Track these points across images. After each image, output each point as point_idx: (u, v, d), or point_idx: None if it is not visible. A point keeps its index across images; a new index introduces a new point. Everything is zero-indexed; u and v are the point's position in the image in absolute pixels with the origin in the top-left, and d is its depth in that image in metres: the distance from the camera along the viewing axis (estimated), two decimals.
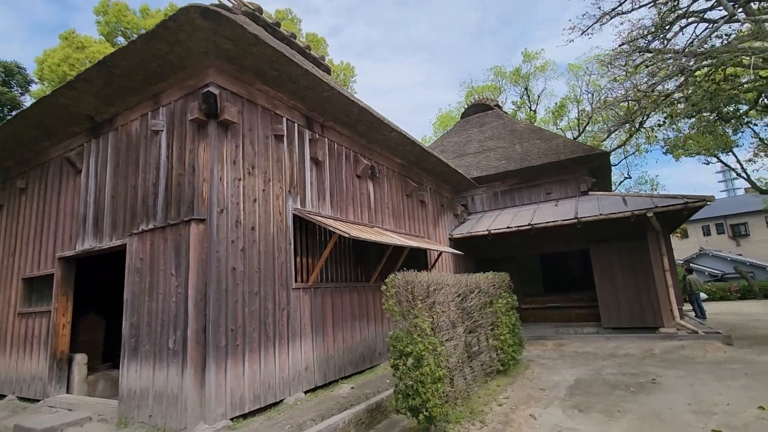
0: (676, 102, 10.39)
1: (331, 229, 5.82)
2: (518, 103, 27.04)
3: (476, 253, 13.84)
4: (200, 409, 4.43)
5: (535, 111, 27.00)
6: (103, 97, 5.95)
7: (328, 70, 12.01)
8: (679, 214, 9.72)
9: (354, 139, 7.95)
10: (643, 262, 10.72)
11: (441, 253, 9.88)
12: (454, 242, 12.06)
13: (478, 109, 17.92)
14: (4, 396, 6.95)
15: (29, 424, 4.99)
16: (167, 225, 5.02)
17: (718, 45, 8.19)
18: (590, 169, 12.59)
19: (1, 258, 7.95)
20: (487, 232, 11.40)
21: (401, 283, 4.98)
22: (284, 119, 6.25)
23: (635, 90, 10.38)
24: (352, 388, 6.23)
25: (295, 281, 5.97)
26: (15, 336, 7.14)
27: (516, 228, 11.06)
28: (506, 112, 18.62)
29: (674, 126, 16.07)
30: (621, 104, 13.97)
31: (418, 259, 10.01)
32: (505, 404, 6.00)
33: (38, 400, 6.27)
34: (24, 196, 7.76)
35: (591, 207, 10.96)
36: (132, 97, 5.87)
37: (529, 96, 26.35)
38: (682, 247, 41.63)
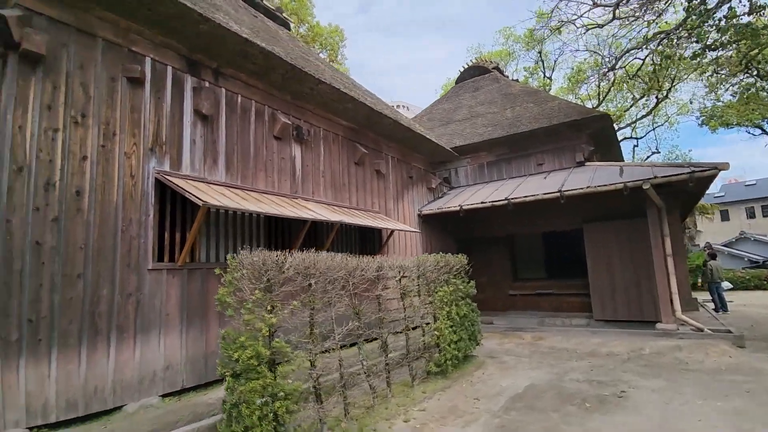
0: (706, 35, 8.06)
1: (187, 196, 4.62)
2: (531, 69, 24.64)
3: (458, 232, 12.42)
4: None
5: (550, 78, 24.56)
6: None
7: (285, 25, 10.67)
8: (684, 185, 7.93)
9: (271, 93, 6.64)
10: (644, 245, 9.03)
11: (392, 231, 8.56)
12: (424, 219, 10.68)
13: (475, 72, 16.07)
14: None
15: None
16: None
17: None
18: (589, 135, 10.78)
19: None
20: (458, 208, 9.94)
21: (250, 263, 3.77)
22: (147, 59, 5.01)
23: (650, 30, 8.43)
24: None
25: (156, 261, 4.85)
26: None
27: (491, 203, 9.55)
28: (507, 76, 16.65)
29: (707, 75, 13.65)
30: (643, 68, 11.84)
31: (368, 240, 8.75)
32: (414, 420, 4.76)
33: None
34: None
35: (583, 179, 9.27)
36: None
37: (543, 62, 23.89)
38: (721, 231, 38.27)
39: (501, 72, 16.29)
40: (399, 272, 5.82)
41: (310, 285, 4.24)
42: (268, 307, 3.66)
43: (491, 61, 16.57)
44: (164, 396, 4.73)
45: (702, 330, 8.11)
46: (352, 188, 8.25)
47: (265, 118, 6.52)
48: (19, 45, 3.89)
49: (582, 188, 8.47)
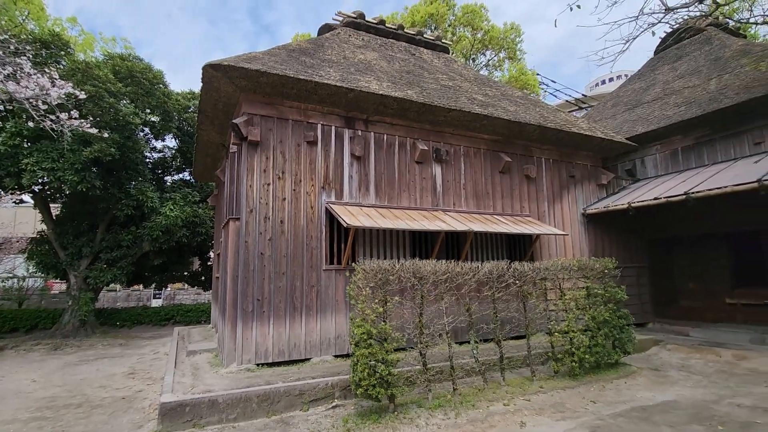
0: None
1: (339, 219, 6.58)
2: None
3: (651, 231, 11.14)
4: (234, 353, 6.24)
5: None
6: (220, 133, 8.53)
7: (445, 50, 12.09)
8: None
9: (411, 126, 8.14)
10: None
11: (537, 235, 8.72)
12: (590, 219, 10.14)
13: (682, 36, 13.51)
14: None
15: (189, 347, 8.08)
16: (224, 223, 7.01)
17: None
18: None
19: None
20: (627, 206, 9.13)
21: (363, 269, 5.37)
22: (318, 125, 7.29)
23: None
24: None
25: (327, 263, 7.05)
26: None
27: (665, 199, 8.44)
28: (732, 30, 13.06)
29: None
30: None
31: (516, 245, 9.20)
32: (513, 405, 5.43)
33: None
34: None
35: None
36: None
37: None
38: None
39: (720, 27, 13.12)
40: (515, 276, 6.39)
41: (414, 285, 5.55)
42: (376, 300, 5.19)
43: (702, 18, 13.48)
44: (336, 356, 6.88)
45: None
46: (497, 195, 8.93)
47: (407, 148, 8.09)
48: (247, 137, 6.62)
49: None
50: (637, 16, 6.79)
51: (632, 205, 9.03)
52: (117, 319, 14.97)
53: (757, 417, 4.96)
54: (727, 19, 14.08)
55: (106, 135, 9.97)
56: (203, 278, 18.00)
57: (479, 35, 19.45)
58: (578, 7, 6.52)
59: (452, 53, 20.70)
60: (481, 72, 21.87)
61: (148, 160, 15.41)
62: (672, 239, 11.51)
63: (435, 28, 19.26)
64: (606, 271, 7.16)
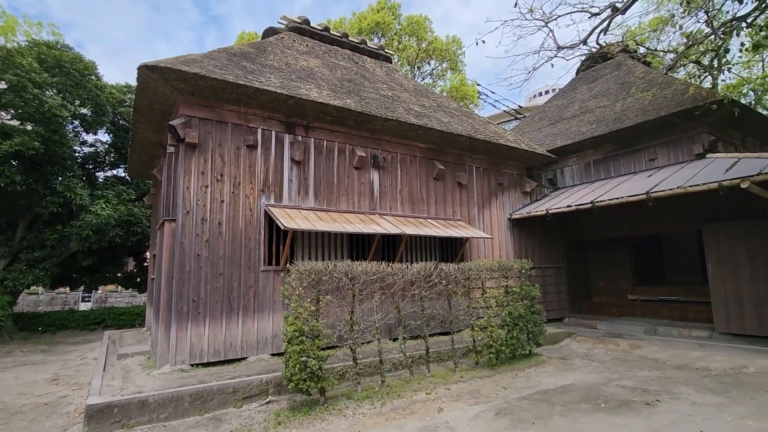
0: None
1: (277, 222, 6.83)
2: None
3: (569, 235, 12.27)
4: (167, 354, 6.28)
5: None
6: (158, 132, 8.41)
7: (387, 59, 12.56)
8: None
9: (350, 133, 8.53)
10: None
11: (467, 238, 9.47)
12: (515, 223, 11.09)
13: (598, 60, 15.01)
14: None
15: (120, 351, 7.90)
16: (160, 223, 7.01)
17: None
18: (711, 124, 9.46)
19: None
20: (545, 212, 10.13)
21: (297, 271, 5.67)
22: (258, 129, 7.47)
23: None
24: None
25: (266, 265, 7.26)
26: None
27: (576, 207, 9.49)
28: (639, 57, 14.77)
29: None
30: None
31: (448, 247, 9.88)
32: (434, 393, 5.97)
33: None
34: None
35: (686, 176, 8.46)
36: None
37: None
38: None
39: (630, 53, 14.74)
40: (441, 276, 6.98)
41: (345, 285, 5.94)
42: (309, 299, 5.51)
43: (618, 44, 15.11)
44: (273, 354, 7.10)
45: None
46: (431, 201, 9.55)
47: (346, 154, 8.46)
48: (184, 139, 6.68)
49: (669, 190, 7.87)
50: (539, 50, 7.79)
51: (550, 211, 10.02)
52: (39, 324, 14.00)
53: (635, 396, 5.84)
54: (639, 46, 15.85)
55: (29, 128, 9.42)
56: (138, 280, 17.22)
57: (424, 45, 20.30)
58: (483, 42, 7.34)
59: (398, 61, 21.50)
60: (426, 80, 22.78)
61: (78, 154, 14.54)
62: (587, 242, 12.82)
63: (382, 36, 19.82)
64: (523, 270, 7.97)
